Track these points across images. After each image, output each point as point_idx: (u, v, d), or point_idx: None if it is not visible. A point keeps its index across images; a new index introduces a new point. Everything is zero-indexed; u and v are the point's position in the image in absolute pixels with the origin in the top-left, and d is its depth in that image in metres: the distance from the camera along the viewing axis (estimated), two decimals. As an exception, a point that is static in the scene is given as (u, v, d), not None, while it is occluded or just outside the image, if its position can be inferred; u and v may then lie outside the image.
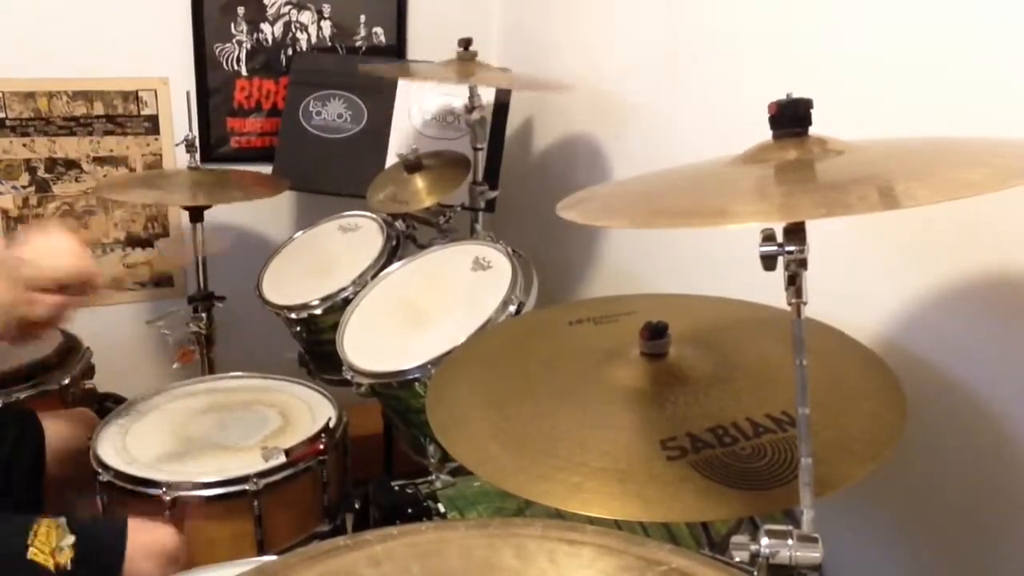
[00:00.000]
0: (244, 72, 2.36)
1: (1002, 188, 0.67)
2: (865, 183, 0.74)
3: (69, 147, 2.25)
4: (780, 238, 0.77)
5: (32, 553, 1.22)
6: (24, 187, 2.24)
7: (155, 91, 2.28)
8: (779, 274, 0.78)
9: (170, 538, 1.37)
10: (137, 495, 1.46)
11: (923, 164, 0.80)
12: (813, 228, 0.75)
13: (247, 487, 1.47)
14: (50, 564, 1.22)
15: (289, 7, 2.36)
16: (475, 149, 1.92)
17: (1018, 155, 0.79)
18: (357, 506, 1.67)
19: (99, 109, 2.24)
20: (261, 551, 1.50)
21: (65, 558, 1.24)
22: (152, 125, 2.30)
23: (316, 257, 1.97)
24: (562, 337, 1.21)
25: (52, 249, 1.23)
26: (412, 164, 1.86)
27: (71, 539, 1.26)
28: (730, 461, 0.88)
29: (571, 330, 1.22)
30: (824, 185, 0.78)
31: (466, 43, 1.83)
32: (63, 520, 1.28)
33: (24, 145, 2.21)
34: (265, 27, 2.35)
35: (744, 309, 1.24)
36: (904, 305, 1.23)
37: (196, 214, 2.04)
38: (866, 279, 1.29)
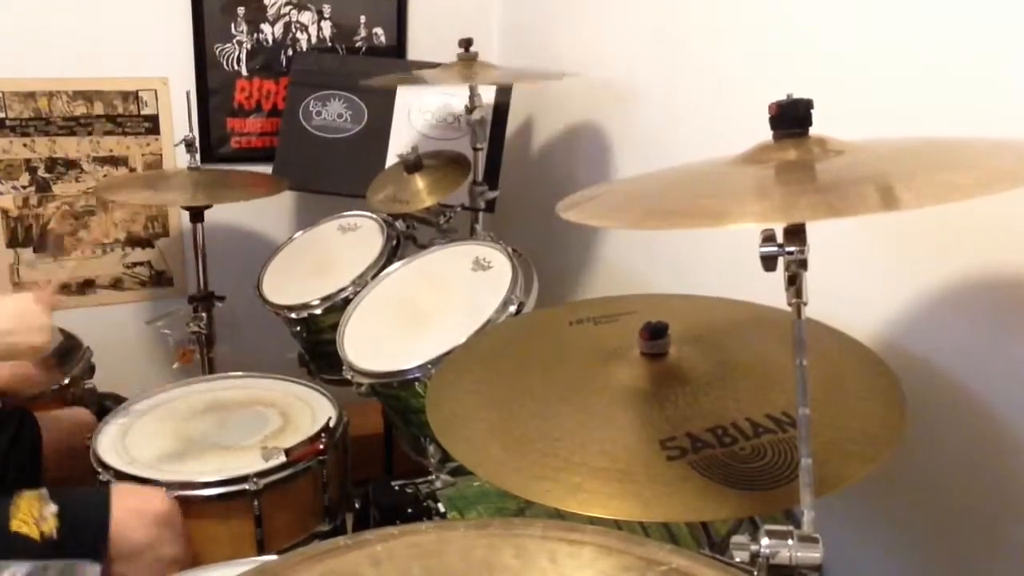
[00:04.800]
0: (244, 72, 2.36)
1: (998, 191, 0.67)
2: (865, 184, 0.74)
3: (69, 147, 2.25)
4: (780, 239, 0.77)
5: (16, 525, 1.22)
6: (24, 187, 2.24)
7: (155, 91, 2.28)
8: (779, 275, 0.78)
9: (158, 500, 1.36)
10: (137, 495, 1.46)
11: (923, 165, 0.80)
12: (813, 229, 0.75)
13: (247, 487, 1.47)
14: (35, 533, 1.22)
15: (289, 7, 2.36)
16: (475, 149, 1.92)
17: (1015, 158, 0.79)
18: (357, 506, 1.67)
19: (99, 109, 2.24)
20: (261, 551, 1.50)
21: (50, 527, 1.23)
22: (152, 125, 2.30)
23: (316, 257, 1.97)
24: (562, 337, 1.21)
25: (17, 320, 1.29)
26: (412, 164, 1.86)
27: (54, 507, 1.25)
28: (730, 461, 0.88)
29: (571, 330, 1.22)
30: (824, 186, 0.78)
31: (467, 43, 1.83)
32: (44, 491, 1.28)
33: (24, 145, 2.21)
34: (265, 27, 2.35)
35: (744, 309, 1.23)
36: (904, 305, 1.23)
37: (196, 214, 2.04)
38: (866, 279, 1.29)
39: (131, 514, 1.31)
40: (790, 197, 0.77)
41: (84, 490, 1.42)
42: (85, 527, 1.28)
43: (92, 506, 1.30)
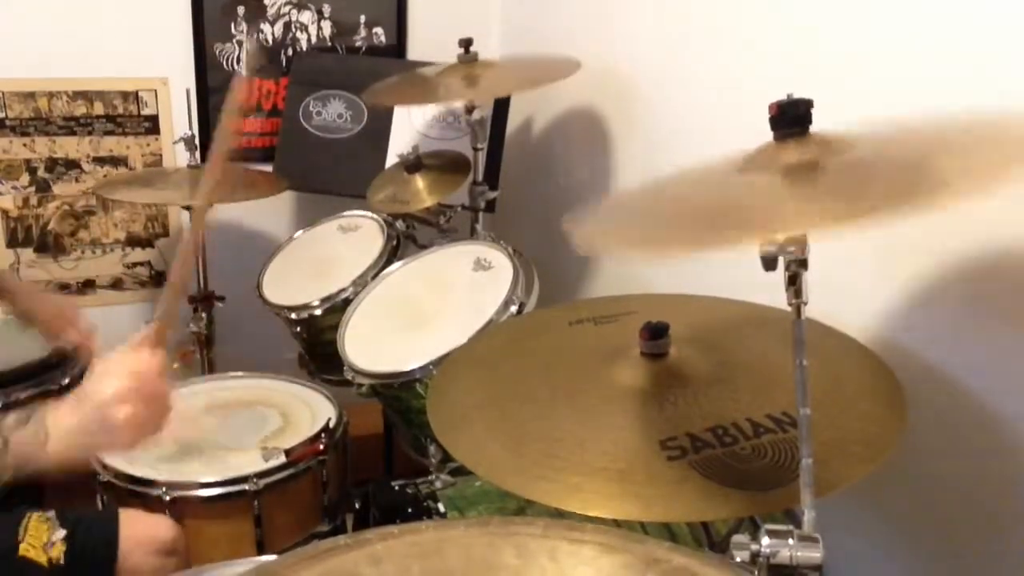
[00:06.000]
0: (244, 72, 2.36)
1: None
2: (913, 174, 0.73)
3: (69, 147, 2.24)
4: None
5: (24, 549, 1.22)
6: (24, 187, 2.24)
7: (155, 91, 2.28)
8: (780, 274, 0.78)
9: (165, 528, 1.36)
10: (137, 495, 1.46)
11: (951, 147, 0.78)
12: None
13: (247, 487, 1.47)
14: (42, 559, 1.22)
15: (289, 7, 2.35)
16: (475, 149, 1.92)
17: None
18: (357, 506, 1.67)
19: (99, 109, 2.24)
20: (261, 551, 1.50)
21: (57, 552, 1.24)
22: (152, 125, 2.30)
23: (316, 257, 1.97)
24: (562, 337, 1.21)
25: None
26: (412, 164, 1.86)
27: (62, 532, 1.25)
28: (730, 461, 0.88)
29: (571, 330, 1.22)
30: (843, 190, 0.77)
31: (467, 44, 1.83)
32: (52, 514, 1.28)
33: (24, 145, 2.21)
34: (265, 27, 2.35)
35: (744, 309, 1.23)
36: (904, 305, 1.23)
37: (196, 214, 2.04)
38: (866, 280, 1.29)
39: (138, 543, 1.32)
40: (841, 202, 0.75)
41: (93, 514, 1.42)
42: (92, 554, 1.28)
43: (100, 533, 1.30)
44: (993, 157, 0.72)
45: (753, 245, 0.70)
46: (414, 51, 2.48)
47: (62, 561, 1.23)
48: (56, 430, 1.00)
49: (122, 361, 1.05)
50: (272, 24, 2.35)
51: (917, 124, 0.86)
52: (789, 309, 0.79)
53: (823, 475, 0.81)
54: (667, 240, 0.83)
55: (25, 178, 2.23)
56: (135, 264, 2.39)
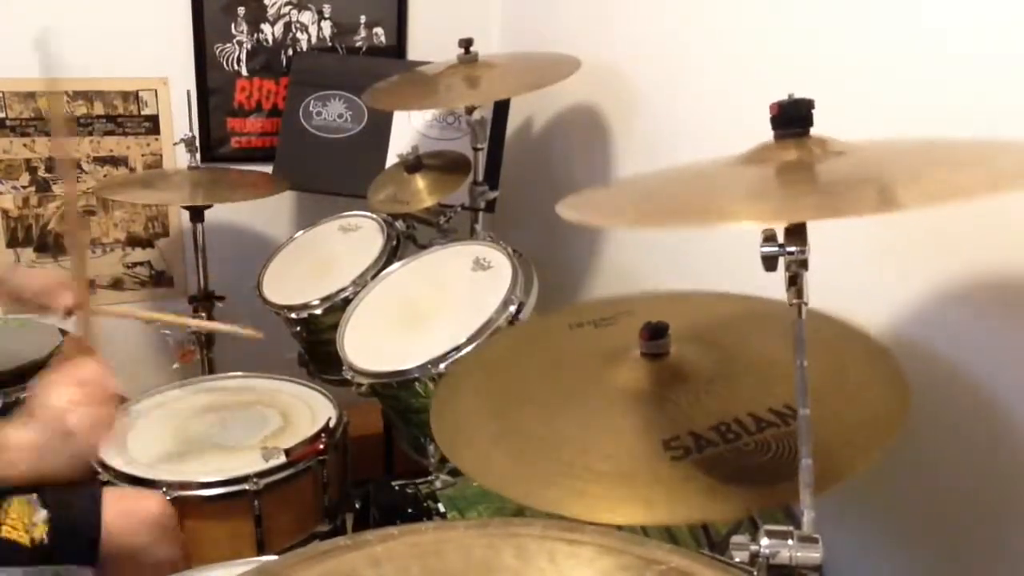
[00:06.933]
0: (244, 72, 2.35)
1: (997, 192, 0.67)
2: (865, 185, 0.74)
3: (69, 147, 2.24)
4: (781, 238, 0.77)
5: (6, 530, 1.22)
6: (24, 187, 2.24)
7: (155, 91, 2.28)
8: (781, 273, 0.78)
9: (152, 502, 1.35)
10: (137, 495, 1.46)
11: (924, 165, 0.80)
12: (815, 221, 0.75)
13: (247, 487, 1.47)
14: (24, 539, 1.22)
15: (289, 7, 2.35)
16: (475, 149, 1.92)
17: (1015, 159, 0.78)
18: (357, 506, 1.67)
19: (99, 109, 2.24)
20: (261, 551, 1.50)
21: (40, 532, 1.23)
22: (152, 125, 2.30)
23: (316, 257, 1.97)
24: (563, 342, 1.20)
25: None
26: (412, 164, 1.86)
27: (44, 513, 1.25)
28: (734, 458, 0.88)
29: (571, 334, 1.21)
30: (824, 186, 0.78)
31: (467, 44, 1.83)
32: (34, 496, 1.27)
33: (24, 145, 2.21)
34: (265, 27, 2.35)
35: (744, 303, 1.23)
36: (906, 296, 1.23)
37: (196, 214, 2.04)
38: (868, 270, 1.29)
39: (123, 518, 1.31)
40: (790, 198, 0.77)
41: (75, 493, 1.40)
42: (76, 532, 1.27)
43: (83, 511, 1.29)
44: (985, 176, 0.73)
45: (732, 225, 0.71)
46: (414, 51, 2.48)
47: (45, 541, 1.23)
48: (17, 447, 1.07)
49: (65, 372, 1.14)
50: (272, 24, 2.35)
51: (919, 138, 0.87)
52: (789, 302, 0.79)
53: (826, 467, 0.80)
54: (651, 213, 0.84)
55: (25, 178, 2.23)
56: (135, 264, 2.39)
